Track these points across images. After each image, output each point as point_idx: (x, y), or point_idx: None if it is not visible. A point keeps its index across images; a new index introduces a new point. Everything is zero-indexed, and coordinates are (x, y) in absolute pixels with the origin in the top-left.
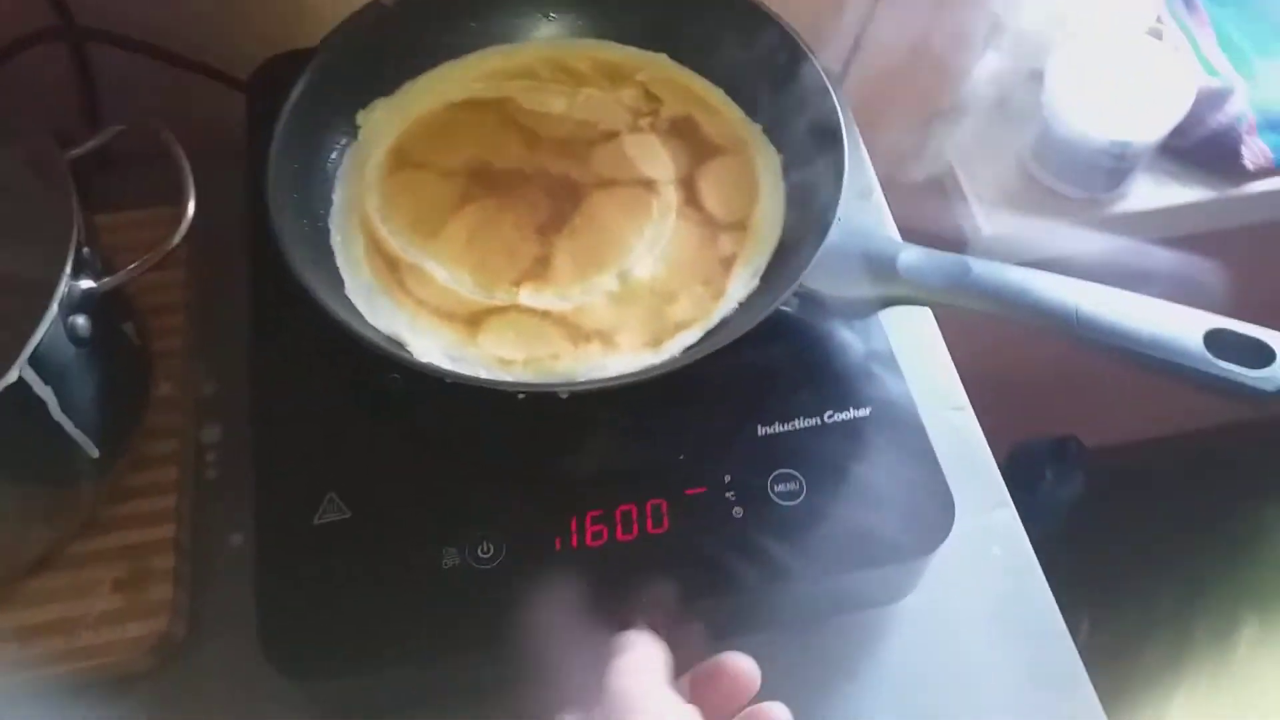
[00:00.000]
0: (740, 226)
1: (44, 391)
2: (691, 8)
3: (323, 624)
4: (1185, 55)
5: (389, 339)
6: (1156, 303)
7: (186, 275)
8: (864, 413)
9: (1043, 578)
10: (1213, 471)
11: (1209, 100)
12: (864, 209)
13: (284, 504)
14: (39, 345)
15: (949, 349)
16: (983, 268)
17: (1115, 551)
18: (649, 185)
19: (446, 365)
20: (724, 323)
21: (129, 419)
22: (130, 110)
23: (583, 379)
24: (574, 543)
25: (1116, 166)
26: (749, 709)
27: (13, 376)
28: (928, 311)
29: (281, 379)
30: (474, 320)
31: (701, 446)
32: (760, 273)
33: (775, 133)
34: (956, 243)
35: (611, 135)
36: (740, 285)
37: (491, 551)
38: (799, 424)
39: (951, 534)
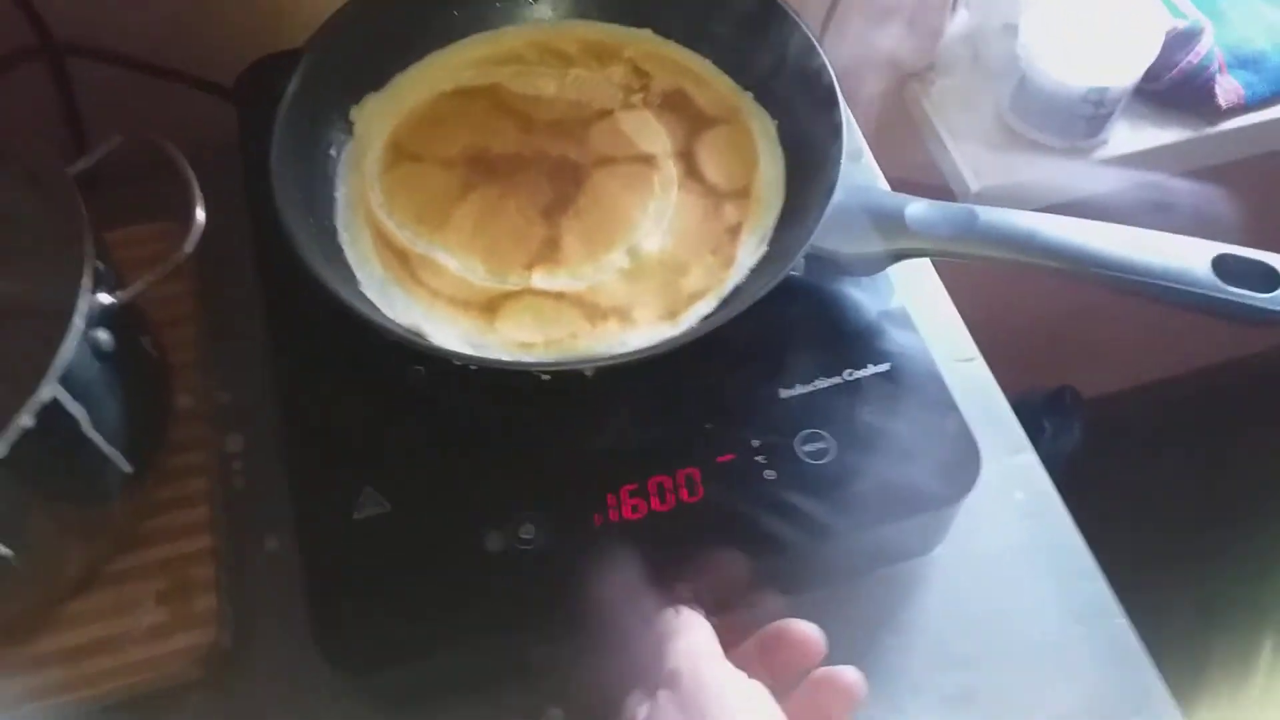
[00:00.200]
0: (743, 194)
1: (75, 409)
2: None
3: (373, 616)
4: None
5: (409, 331)
6: (1163, 235)
7: (193, 285)
8: (883, 368)
9: (1068, 517)
10: (1210, 412)
11: (1178, 41)
12: (857, 171)
13: (322, 502)
14: (67, 361)
15: None
16: (989, 214)
17: (1116, 500)
18: (648, 160)
19: (468, 352)
20: (737, 290)
21: (155, 433)
22: (113, 126)
23: (603, 356)
24: (613, 517)
25: (1095, 113)
26: (819, 672)
27: (46, 395)
28: (930, 266)
29: (305, 381)
30: (490, 306)
31: (727, 414)
32: (768, 238)
33: (767, 99)
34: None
35: (605, 114)
36: (749, 252)
37: (533, 532)
38: (820, 384)
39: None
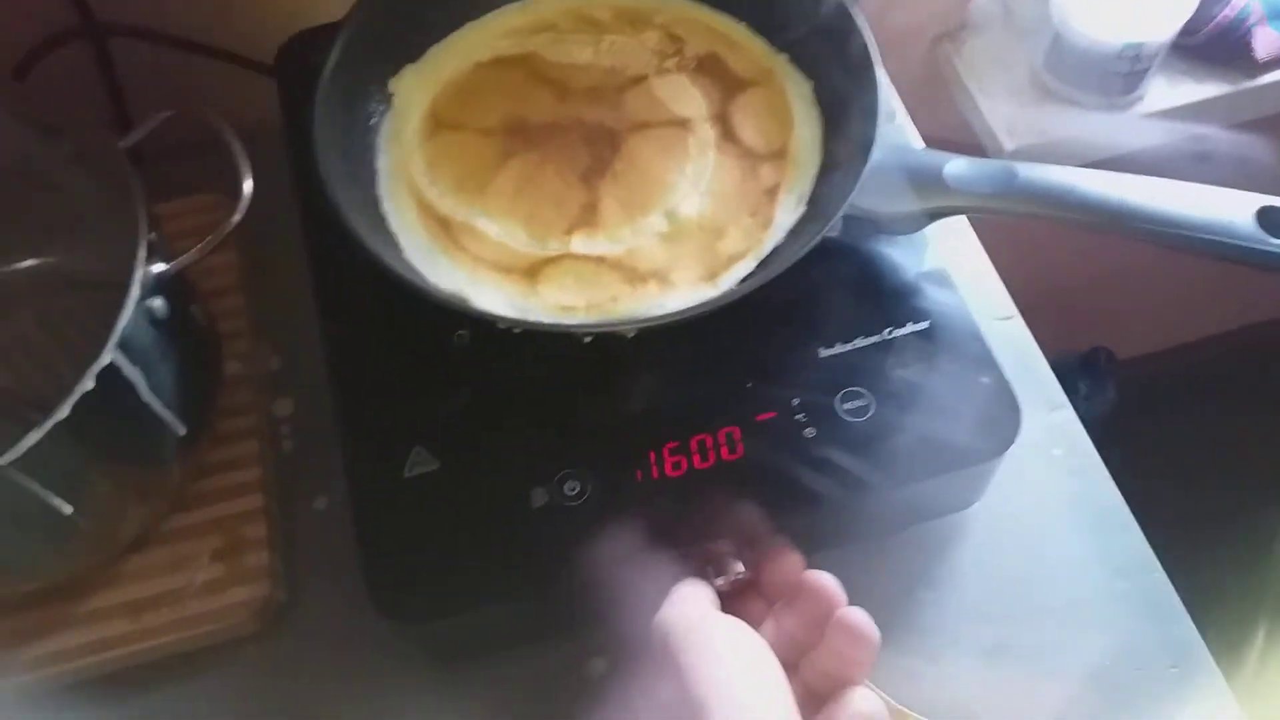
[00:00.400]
0: (780, 155)
1: (133, 373)
2: None
3: (424, 570)
4: None
5: (453, 296)
6: (1204, 188)
7: (238, 257)
8: (922, 326)
9: (1106, 473)
10: (1244, 373)
11: None
12: (892, 131)
13: (373, 461)
14: (125, 328)
15: None
16: (1029, 170)
17: (1150, 459)
18: (684, 124)
19: (512, 316)
20: (776, 251)
21: (207, 397)
22: (156, 105)
23: (644, 318)
24: (655, 474)
25: (1131, 69)
26: (833, 620)
27: (106, 359)
28: (968, 225)
29: (354, 346)
30: (532, 271)
31: (767, 373)
32: (806, 199)
33: (801, 60)
34: None
35: (640, 79)
36: (787, 213)
37: (578, 489)
38: (860, 342)
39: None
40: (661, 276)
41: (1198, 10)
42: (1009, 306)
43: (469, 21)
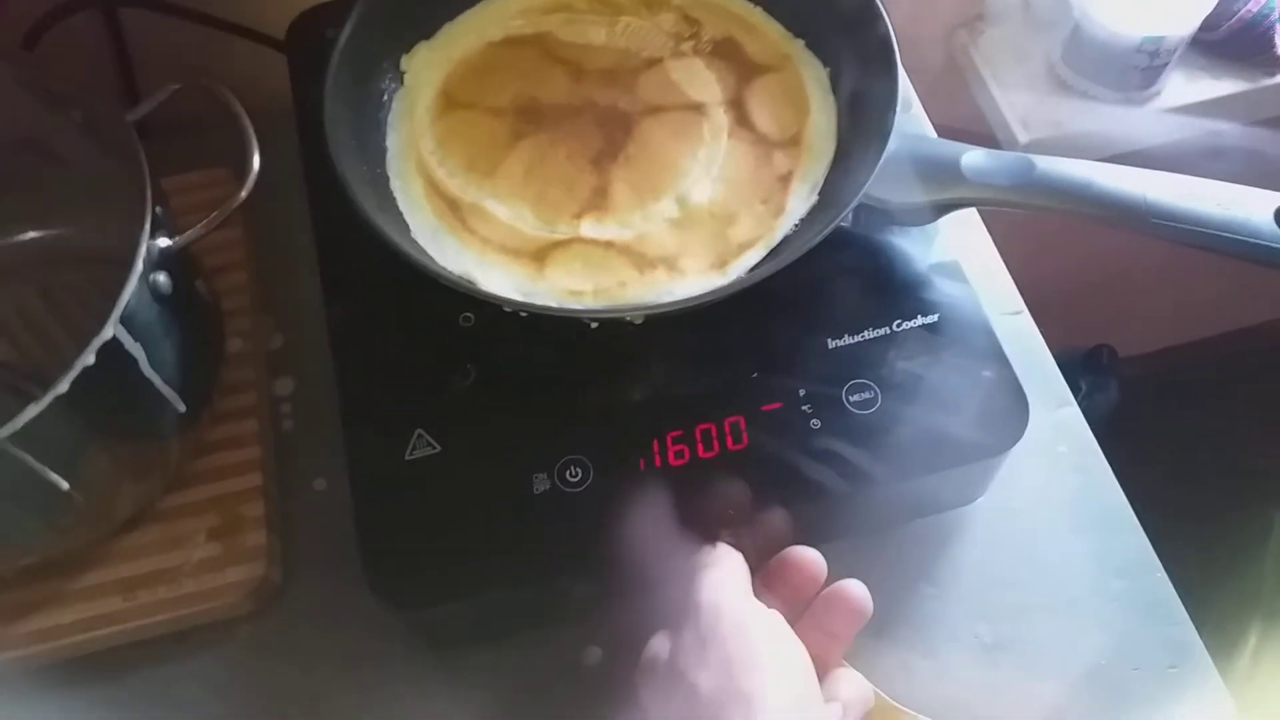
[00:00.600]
0: (794, 143)
1: (134, 348)
2: None
3: (423, 554)
4: None
5: (460, 278)
6: (1222, 185)
7: (243, 234)
8: (932, 319)
9: (1110, 472)
10: (1247, 374)
11: None
12: (907, 121)
13: (374, 443)
14: (128, 302)
15: None
16: (1047, 164)
17: (1151, 458)
18: (698, 109)
19: (519, 299)
20: (787, 240)
21: (208, 375)
22: (165, 79)
23: (652, 304)
24: (657, 462)
25: (1150, 64)
26: (825, 591)
27: (108, 334)
28: (978, 219)
29: (358, 326)
30: (540, 255)
31: (774, 363)
32: (818, 187)
33: (819, 46)
34: None
35: (654, 62)
36: (800, 201)
37: (580, 475)
38: (869, 334)
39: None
40: (671, 263)
41: (1219, 6)
42: (1017, 302)
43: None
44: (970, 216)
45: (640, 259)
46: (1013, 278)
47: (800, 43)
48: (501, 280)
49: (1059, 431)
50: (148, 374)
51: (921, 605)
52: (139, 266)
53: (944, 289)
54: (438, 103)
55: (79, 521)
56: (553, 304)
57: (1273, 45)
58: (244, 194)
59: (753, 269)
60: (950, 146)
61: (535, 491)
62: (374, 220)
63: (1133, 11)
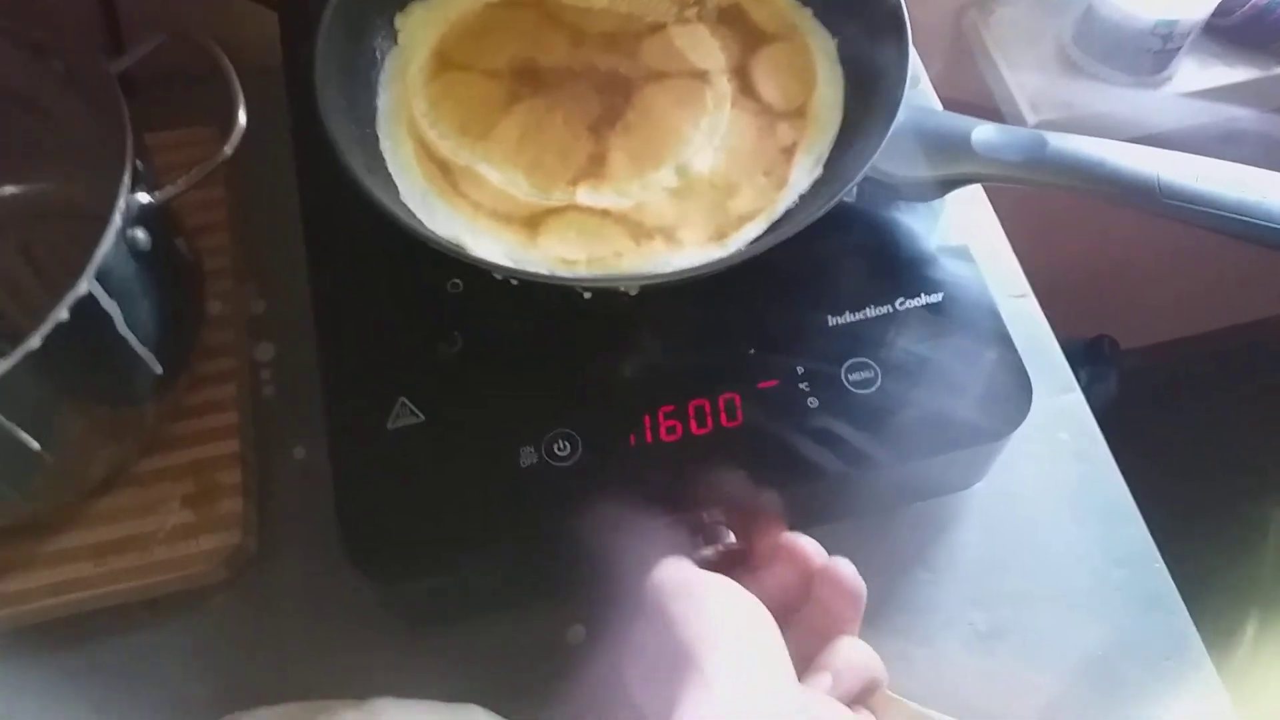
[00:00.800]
0: (799, 114)
1: (110, 306)
2: None
3: (403, 526)
4: None
5: (449, 242)
6: (1238, 167)
7: (226, 194)
8: (936, 298)
9: (1111, 460)
10: (1249, 368)
11: None
12: (914, 97)
13: (355, 410)
14: (104, 257)
15: None
16: (1060, 140)
17: (1149, 450)
18: (701, 76)
19: (510, 266)
20: (789, 213)
21: (187, 336)
22: (151, 29)
23: (647, 275)
24: (649, 438)
25: (1162, 48)
26: (819, 572)
27: (82, 289)
28: (986, 200)
29: (342, 290)
30: (533, 222)
31: (772, 339)
32: (823, 160)
33: (827, 16)
34: None
35: (658, 27)
36: (803, 174)
37: (568, 449)
38: (870, 312)
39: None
40: (668, 233)
41: None
42: (1023, 284)
43: None
44: (976, 196)
45: (637, 229)
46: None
47: (808, 11)
48: (492, 246)
49: (1061, 418)
50: (123, 332)
51: (917, 591)
52: (116, 221)
53: (949, 268)
54: (432, 63)
55: (49, 483)
56: (544, 272)
57: None
58: (228, 150)
59: (753, 242)
60: (960, 120)
61: (521, 465)
62: (362, 181)
63: None
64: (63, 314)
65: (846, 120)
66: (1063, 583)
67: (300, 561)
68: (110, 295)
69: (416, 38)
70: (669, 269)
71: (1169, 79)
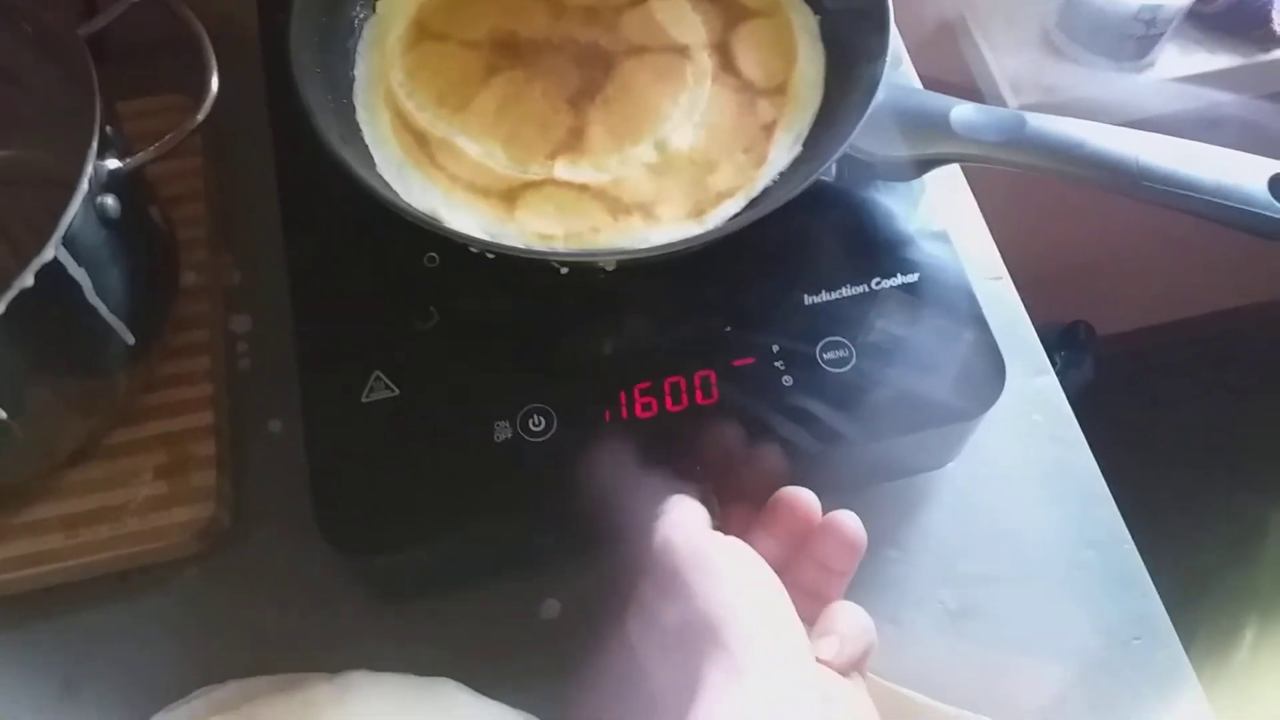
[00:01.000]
0: (779, 91)
1: (78, 273)
2: None
3: (377, 499)
4: None
5: (425, 215)
6: (1219, 150)
7: (203, 163)
8: (912, 278)
9: (1084, 442)
10: (1224, 354)
11: None
12: (895, 78)
13: (330, 383)
14: (71, 224)
15: None
16: (1040, 121)
17: (1122, 435)
18: (682, 51)
19: (486, 239)
20: (767, 192)
21: (161, 306)
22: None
23: (624, 250)
24: (624, 414)
25: (1145, 33)
26: (820, 523)
27: (48, 255)
28: (964, 181)
29: (317, 262)
30: (510, 195)
31: (748, 318)
32: (803, 138)
33: None
34: None
35: (639, 1)
36: (783, 151)
37: (543, 425)
38: (846, 291)
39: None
40: (646, 209)
41: None
42: (999, 267)
43: None
44: (956, 179)
45: (615, 204)
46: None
47: None
48: (468, 220)
49: (1035, 399)
50: (92, 301)
51: (887, 570)
52: (84, 186)
53: (926, 248)
54: (410, 32)
55: (19, 454)
56: (521, 246)
57: (1269, 20)
58: (200, 116)
59: (731, 219)
60: (940, 99)
61: (496, 440)
62: (337, 151)
63: None
64: (28, 280)
65: (827, 98)
66: (1033, 563)
67: (274, 535)
68: (78, 263)
69: (395, 6)
70: (646, 245)
71: (1151, 65)
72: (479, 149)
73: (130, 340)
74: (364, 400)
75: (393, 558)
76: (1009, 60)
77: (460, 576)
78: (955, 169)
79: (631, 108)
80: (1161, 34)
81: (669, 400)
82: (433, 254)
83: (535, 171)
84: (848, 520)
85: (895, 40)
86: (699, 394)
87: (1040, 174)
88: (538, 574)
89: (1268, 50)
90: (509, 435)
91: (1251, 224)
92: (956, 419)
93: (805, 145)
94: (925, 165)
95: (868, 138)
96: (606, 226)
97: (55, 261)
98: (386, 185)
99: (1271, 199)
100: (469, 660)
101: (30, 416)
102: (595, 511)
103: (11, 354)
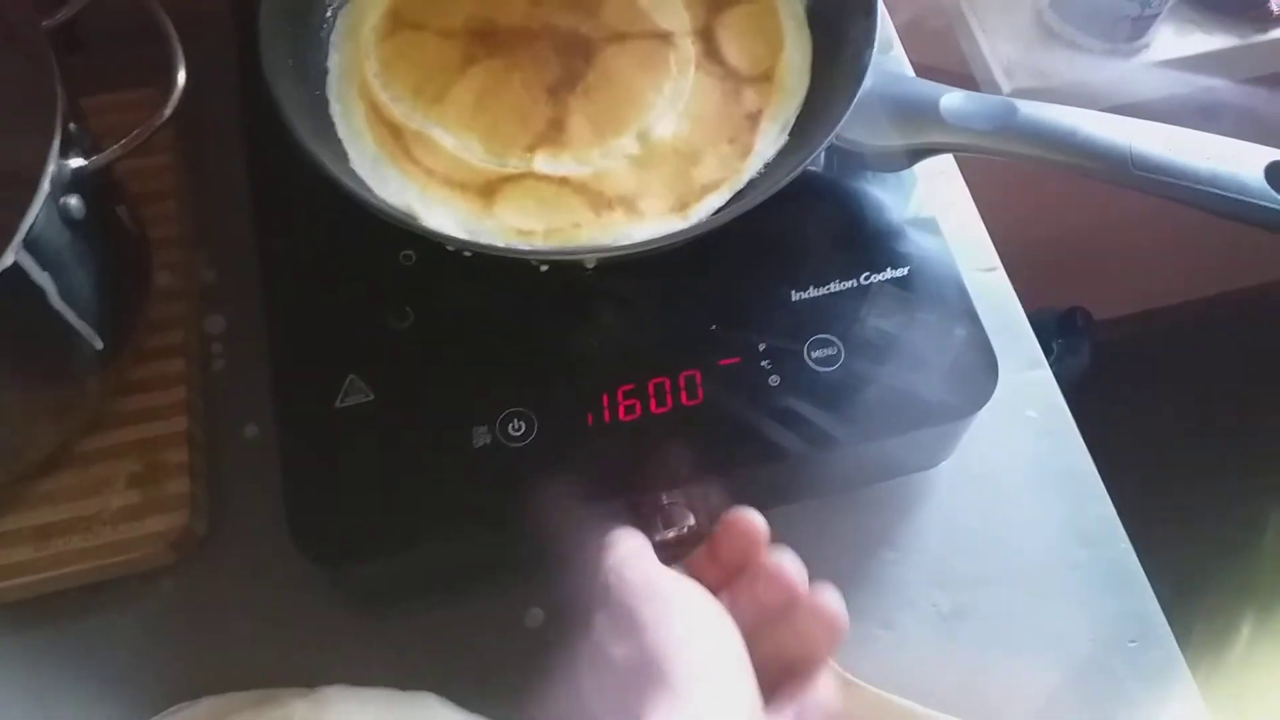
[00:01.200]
0: (765, 79)
1: (41, 278)
2: None
3: (352, 508)
4: None
5: (401, 212)
6: (1214, 138)
7: (175, 160)
8: (902, 273)
9: (1079, 438)
10: (1221, 339)
11: None
12: (885, 63)
13: (304, 388)
14: (32, 227)
15: None
16: (1030, 109)
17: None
18: (665, 38)
19: (463, 237)
20: (753, 183)
21: (131, 309)
22: None
23: (606, 247)
24: (606, 417)
25: (1140, 14)
26: (805, 600)
27: (8, 260)
28: (957, 171)
29: (291, 262)
30: (488, 190)
31: (734, 315)
32: (789, 128)
33: None
34: None
35: None
36: (769, 142)
37: (523, 429)
38: (835, 287)
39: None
40: (629, 204)
41: None
42: (993, 258)
43: None
44: (947, 167)
45: (597, 198)
46: (988, 234)
47: None
48: (445, 216)
49: (1029, 394)
50: (58, 306)
51: (881, 571)
52: (45, 187)
53: (917, 241)
54: (385, 22)
55: None
56: (499, 244)
57: (1265, 0)
58: (168, 112)
59: (716, 213)
60: (929, 87)
61: (475, 445)
62: (309, 146)
63: None
64: None
65: (814, 86)
66: (1027, 562)
67: (251, 544)
68: (42, 266)
69: None
70: (629, 241)
71: (1147, 46)
72: (456, 141)
73: (99, 345)
74: (339, 405)
75: (368, 568)
76: (1002, 44)
77: (441, 586)
78: (948, 158)
79: (613, 97)
80: (1157, 14)
81: (653, 402)
82: (409, 251)
83: (514, 165)
84: (829, 603)
85: (885, 24)
86: (684, 395)
87: (1032, 163)
88: (521, 582)
89: (1265, 30)
90: (488, 441)
91: (1247, 214)
92: (948, 418)
93: (792, 135)
94: (915, 155)
95: (856, 127)
96: (588, 222)
97: (16, 266)
98: (361, 181)
99: (1268, 188)
100: (451, 672)
101: None
102: (577, 521)
103: None
